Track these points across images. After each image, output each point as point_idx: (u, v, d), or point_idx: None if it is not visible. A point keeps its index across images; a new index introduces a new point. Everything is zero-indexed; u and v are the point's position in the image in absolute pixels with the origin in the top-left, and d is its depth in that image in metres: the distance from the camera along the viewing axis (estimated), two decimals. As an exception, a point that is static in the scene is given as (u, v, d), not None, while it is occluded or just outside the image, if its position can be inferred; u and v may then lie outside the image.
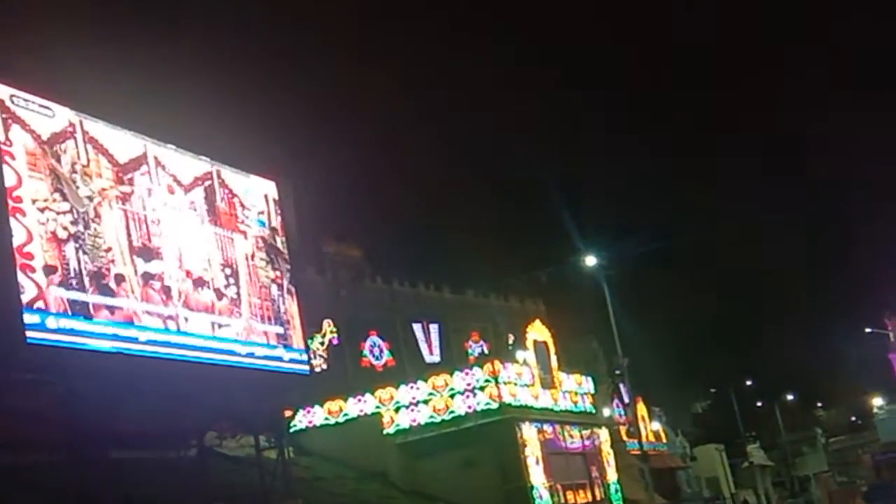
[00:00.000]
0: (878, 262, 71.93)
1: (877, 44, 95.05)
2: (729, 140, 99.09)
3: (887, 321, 65.24)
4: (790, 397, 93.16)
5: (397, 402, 35.27)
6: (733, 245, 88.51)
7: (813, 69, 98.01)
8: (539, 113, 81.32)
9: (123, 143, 20.99)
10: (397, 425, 35.15)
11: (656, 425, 59.92)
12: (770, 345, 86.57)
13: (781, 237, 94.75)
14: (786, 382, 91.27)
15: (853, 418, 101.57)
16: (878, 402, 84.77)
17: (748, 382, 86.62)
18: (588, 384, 39.77)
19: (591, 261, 45.14)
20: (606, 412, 49.74)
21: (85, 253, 19.21)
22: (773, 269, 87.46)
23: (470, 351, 44.98)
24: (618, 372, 50.69)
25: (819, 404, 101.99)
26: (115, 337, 19.25)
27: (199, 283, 22.17)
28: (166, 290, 21.04)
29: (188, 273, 21.86)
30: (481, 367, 34.80)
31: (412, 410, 34.95)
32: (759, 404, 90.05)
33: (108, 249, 19.77)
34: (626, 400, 52.74)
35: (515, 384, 34.84)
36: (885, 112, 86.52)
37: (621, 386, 52.69)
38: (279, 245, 25.32)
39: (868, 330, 70.03)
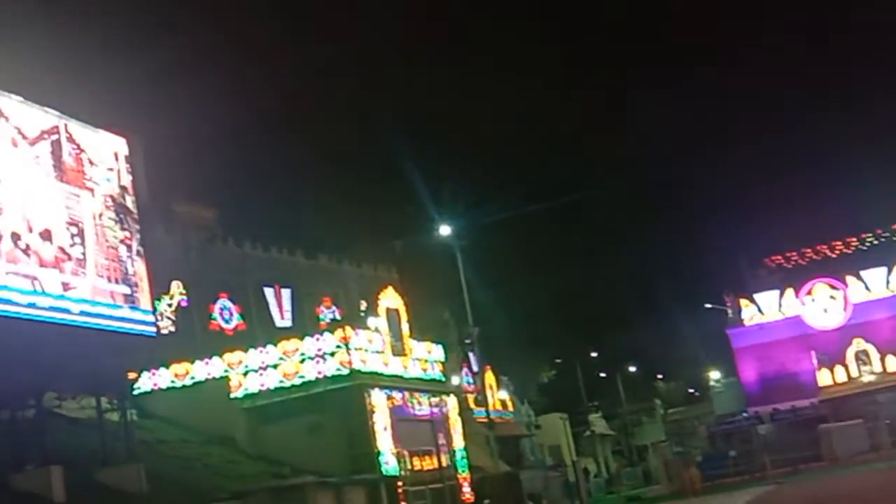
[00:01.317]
0: (718, 242, 74.70)
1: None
2: (586, 107, 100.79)
3: (726, 298, 67.63)
4: (632, 369, 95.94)
5: (246, 367, 34.94)
6: (583, 219, 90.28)
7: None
8: (393, 79, 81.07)
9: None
10: (245, 390, 34.84)
11: (503, 394, 60.94)
12: (615, 318, 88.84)
13: (629, 215, 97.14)
14: (629, 355, 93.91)
15: (691, 390, 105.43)
16: (715, 375, 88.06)
17: (593, 354, 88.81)
18: (438, 352, 40.13)
19: (445, 230, 45.49)
20: (455, 380, 50.36)
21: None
22: (620, 245, 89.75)
23: (321, 316, 44.80)
24: (468, 341, 51.32)
25: (659, 376, 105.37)
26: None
27: (43, 240, 21.45)
28: (7, 247, 20.29)
29: (30, 229, 21.12)
30: (332, 332, 34.75)
31: (261, 375, 34.70)
32: (602, 375, 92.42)
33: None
34: (475, 369, 53.53)
35: (366, 351, 34.90)
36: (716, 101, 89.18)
37: (471, 355, 53.43)
38: (129, 204, 24.70)
39: (708, 306, 72.49)
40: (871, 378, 59.91)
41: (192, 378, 35.62)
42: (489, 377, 56.00)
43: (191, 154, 43.02)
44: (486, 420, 48.01)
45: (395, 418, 35.15)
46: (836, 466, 46.77)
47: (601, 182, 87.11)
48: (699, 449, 60.82)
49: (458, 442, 39.52)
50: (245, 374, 34.89)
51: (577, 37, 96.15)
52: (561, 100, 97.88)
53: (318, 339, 34.56)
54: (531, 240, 76.74)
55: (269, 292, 44.40)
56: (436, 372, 39.54)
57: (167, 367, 35.54)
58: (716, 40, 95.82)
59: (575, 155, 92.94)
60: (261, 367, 34.75)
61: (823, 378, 60.99)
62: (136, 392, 33.25)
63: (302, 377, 34.15)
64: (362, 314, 39.18)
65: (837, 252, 67.62)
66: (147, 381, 35.45)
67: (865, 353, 60.59)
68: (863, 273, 63.29)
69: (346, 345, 34.02)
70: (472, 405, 52.73)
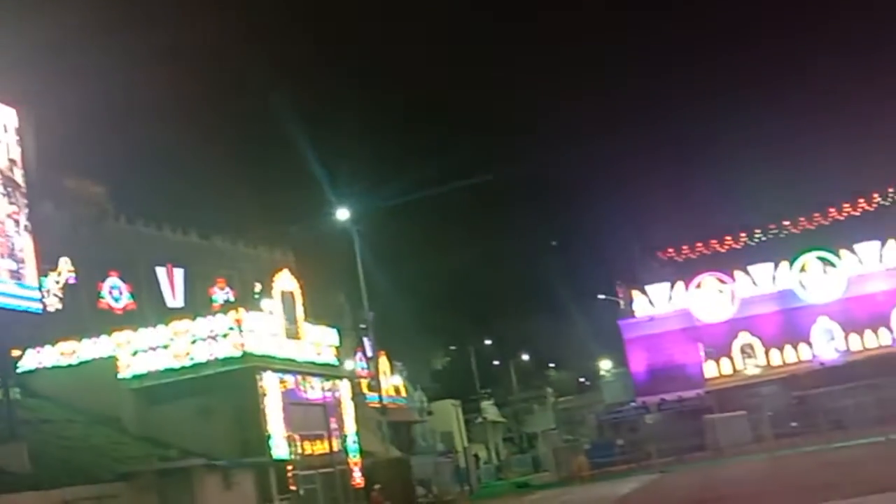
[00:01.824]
0: (612, 234, 75.86)
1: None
2: (484, 93, 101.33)
3: (618, 289, 68.82)
4: (525, 357, 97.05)
5: (135, 347, 34.29)
6: (480, 208, 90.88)
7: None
8: (289, 60, 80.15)
9: None
10: (134, 370, 34.19)
11: (397, 380, 61.03)
12: (510, 306, 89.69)
13: (527, 206, 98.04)
14: (522, 343, 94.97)
15: (582, 380, 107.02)
16: (605, 365, 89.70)
17: (487, 342, 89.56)
18: (332, 337, 39.92)
19: (342, 214, 45.34)
20: (349, 365, 50.24)
21: None
22: (516, 235, 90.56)
23: (215, 298, 44.19)
24: (363, 326, 51.30)
25: (551, 365, 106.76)
26: None
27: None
28: None
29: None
30: (225, 314, 34.32)
31: (151, 355, 34.06)
32: (496, 363, 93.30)
33: None
34: (370, 354, 53.46)
35: (259, 333, 34.56)
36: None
37: (365, 340, 53.35)
38: (17, 178, 24.02)
39: (601, 296, 73.65)
40: (756, 371, 61.62)
41: (79, 357, 34.83)
42: (383, 362, 56.03)
43: (84, 129, 41.94)
44: (378, 405, 48.06)
45: (287, 402, 34.87)
46: (719, 456, 47.95)
47: (499, 171, 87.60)
48: (588, 437, 61.85)
49: (350, 427, 39.42)
50: (134, 354, 34.23)
51: (470, 22, 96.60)
52: (461, 85, 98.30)
53: (210, 321, 34.09)
54: (429, 226, 77.03)
55: (160, 272, 43.61)
56: (329, 356, 39.32)
57: (53, 345, 34.70)
58: (622, 34, 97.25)
59: (475, 140, 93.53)
60: (151, 348, 34.12)
61: (710, 370, 62.50)
62: (19, 370, 32.44)
63: (192, 359, 33.63)
64: (256, 296, 38.78)
65: (727, 247, 69.31)
66: (32, 359, 34.57)
67: (751, 346, 62.28)
68: (750, 268, 65.00)
69: (239, 327, 33.60)
70: (365, 390, 52.66)
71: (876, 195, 67.33)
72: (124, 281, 42.30)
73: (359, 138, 73.86)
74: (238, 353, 33.43)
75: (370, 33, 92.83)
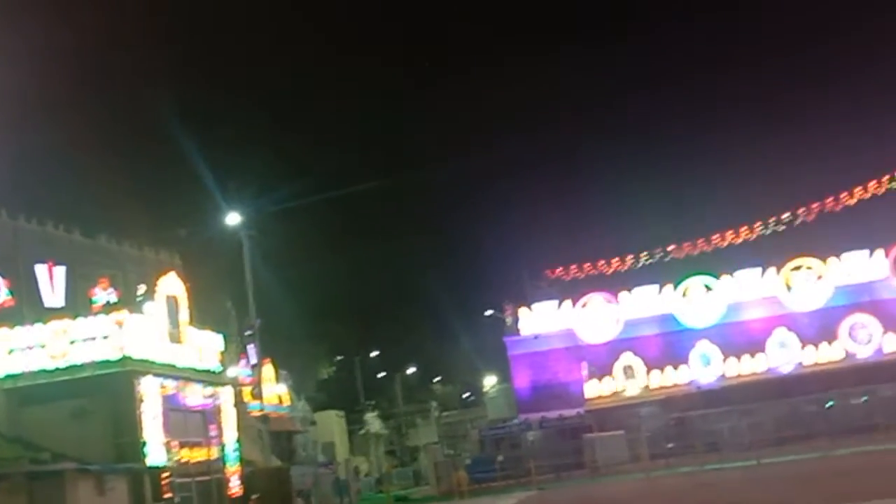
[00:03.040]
0: (502, 252, 76.55)
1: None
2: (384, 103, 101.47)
3: (506, 306, 69.35)
4: (411, 370, 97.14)
5: (11, 345, 33.30)
6: (372, 222, 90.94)
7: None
8: (187, 59, 79.04)
9: None
10: (8, 370, 33.18)
11: (281, 388, 60.50)
12: (398, 318, 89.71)
13: (418, 220, 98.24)
14: (409, 356, 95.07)
15: (467, 395, 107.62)
16: (490, 381, 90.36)
17: (374, 353, 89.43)
18: (216, 342, 39.37)
19: (232, 219, 44.85)
20: (233, 372, 49.56)
21: None
22: (407, 249, 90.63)
23: (96, 298, 43.00)
24: (249, 333, 50.71)
25: (437, 379, 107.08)
26: None
27: None
28: None
29: None
30: (106, 315, 33.59)
31: (27, 355, 33.12)
32: (381, 375, 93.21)
33: None
34: (254, 361, 52.86)
35: (140, 336, 33.89)
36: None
37: (250, 347, 52.74)
38: None
39: (488, 313, 74.21)
40: (636, 392, 62.75)
41: (-51, 355, 33.69)
42: (268, 370, 55.51)
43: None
44: (260, 414, 47.54)
45: (167, 407, 34.27)
46: (596, 475, 48.70)
47: (389, 187, 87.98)
48: (470, 452, 62.19)
49: (230, 435, 38.92)
50: (10, 353, 33.25)
51: (361, 32, 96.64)
52: (356, 92, 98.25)
53: (90, 322, 33.34)
54: (320, 235, 76.71)
55: (40, 269, 42.40)
56: (212, 362, 38.75)
57: (-79, 341, 33.50)
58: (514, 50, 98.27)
59: (369, 148, 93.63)
60: (27, 347, 33.20)
61: (591, 389, 63.43)
62: None
63: (70, 360, 32.82)
64: (140, 299, 37.93)
65: (613, 269, 70.42)
66: None
67: (632, 367, 63.41)
68: (635, 290, 66.21)
69: (120, 329, 32.96)
70: (247, 398, 52.07)
71: (758, 224, 69.27)
72: (3, 277, 41.02)
73: (250, 143, 73.31)
74: (117, 356, 32.75)
75: (261, 36, 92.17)
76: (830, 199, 69.01)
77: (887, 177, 68.94)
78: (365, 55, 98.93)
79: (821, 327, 62.49)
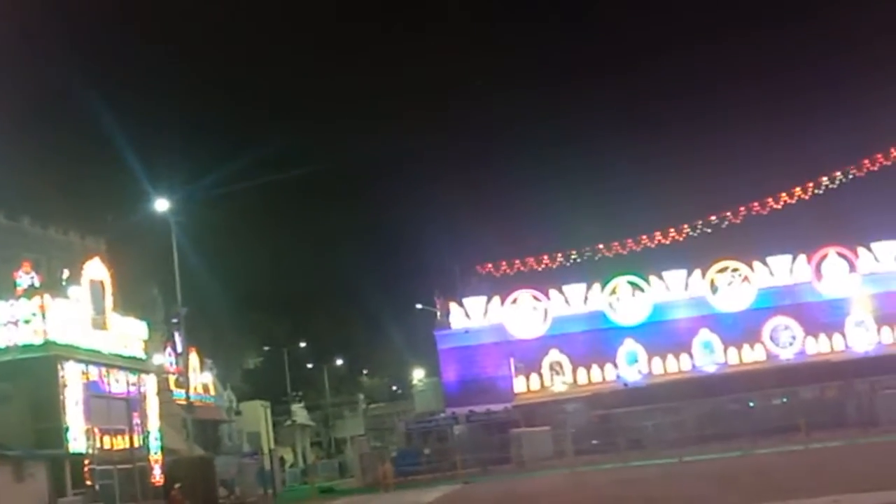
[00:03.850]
0: (434, 246, 76.64)
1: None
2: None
3: (437, 300, 69.43)
4: (339, 362, 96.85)
5: (-71, 328, 32.61)
6: (303, 212, 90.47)
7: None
8: (117, 44, 77.88)
9: None
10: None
11: (207, 377, 60.03)
12: (327, 309, 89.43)
13: (350, 211, 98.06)
14: (337, 347, 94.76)
15: (395, 388, 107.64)
16: (418, 374, 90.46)
17: (302, 344, 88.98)
18: (141, 329, 38.96)
19: (161, 205, 44.32)
20: (158, 360, 49.12)
21: None
22: (338, 240, 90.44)
23: (19, 282, 42.28)
24: (175, 321, 50.21)
25: (365, 371, 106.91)
26: None
27: None
28: None
29: None
30: (29, 299, 33.03)
31: (-55, 338, 32.47)
32: (309, 366, 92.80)
33: None
34: (180, 349, 52.41)
35: (64, 321, 33.38)
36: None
37: (176, 335, 52.27)
38: None
39: (419, 306, 74.25)
40: (563, 388, 63.22)
41: None
42: (193, 359, 55.04)
43: None
44: (185, 402, 47.10)
45: (89, 394, 33.90)
46: (522, 470, 48.96)
47: (322, 178, 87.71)
48: (396, 445, 62.11)
49: (154, 423, 38.56)
50: (-72, 335, 32.56)
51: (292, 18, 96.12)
52: (292, 82, 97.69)
53: (12, 305, 32.78)
54: (249, 224, 76.01)
55: (-38, 251, 41.60)
56: (137, 349, 38.35)
57: None
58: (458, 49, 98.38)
59: (302, 136, 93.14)
60: (-54, 330, 32.55)
61: (519, 385, 63.79)
62: None
63: (-10, 344, 32.26)
64: (64, 283, 37.38)
65: (543, 266, 70.88)
66: None
67: (559, 363, 63.86)
68: (564, 287, 66.71)
69: (43, 313, 32.45)
70: (172, 386, 51.59)
71: (686, 227, 70.27)
72: (-78, 258, 40.16)
73: (181, 130, 72.53)
74: (40, 341, 32.27)
75: (190, 26, 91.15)
76: (756, 203, 70.30)
77: (812, 183, 70.40)
78: (298, 41, 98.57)
79: (745, 329, 63.54)
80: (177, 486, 36.02)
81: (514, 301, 66.55)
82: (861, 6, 78.77)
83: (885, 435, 41.64)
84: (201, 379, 58.39)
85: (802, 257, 65.30)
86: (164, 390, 44.59)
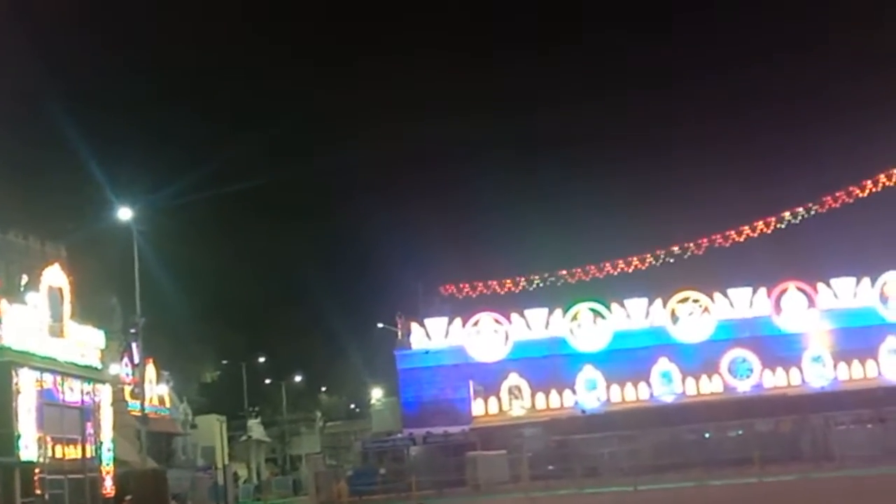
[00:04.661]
0: (397, 265, 76.65)
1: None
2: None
3: (398, 319, 69.28)
4: (298, 378, 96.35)
5: None
6: (266, 228, 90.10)
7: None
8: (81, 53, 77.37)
9: None
10: None
11: (163, 389, 59.51)
12: (287, 325, 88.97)
13: (315, 225, 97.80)
14: (296, 364, 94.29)
15: (353, 406, 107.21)
16: (377, 393, 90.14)
17: (261, 359, 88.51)
18: (98, 338, 38.56)
19: (123, 214, 44.05)
20: (114, 370, 48.65)
21: None
22: (300, 257, 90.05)
23: (-24, 286, 41.94)
24: (133, 331, 49.74)
25: (323, 389, 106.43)
26: None
27: None
28: None
29: None
30: (-15, 303, 32.58)
31: None
32: (267, 381, 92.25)
33: None
34: (137, 360, 51.89)
35: (20, 328, 32.95)
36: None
37: (134, 345, 51.75)
38: None
39: (380, 325, 74.10)
40: (521, 412, 63.15)
41: None
42: (150, 370, 54.55)
43: None
44: (140, 414, 46.65)
45: (42, 402, 33.43)
46: (477, 493, 48.90)
47: (285, 193, 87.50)
48: (352, 464, 61.84)
49: (107, 434, 38.10)
50: None
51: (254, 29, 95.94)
52: (258, 94, 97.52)
53: (-33, 310, 32.29)
54: (210, 237, 75.67)
55: (-81, 254, 41.07)
56: (93, 359, 37.94)
57: None
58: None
59: (268, 153, 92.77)
60: None
61: (478, 408, 63.66)
62: None
63: (-57, 348, 31.76)
64: (22, 289, 36.97)
65: (506, 289, 70.96)
66: None
67: (518, 388, 63.79)
68: (526, 312, 66.77)
69: (-1, 318, 32.01)
70: (127, 397, 51.12)
71: (649, 256, 70.72)
72: None
73: (144, 138, 72.13)
74: (-6, 346, 31.80)
75: (155, 34, 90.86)
76: (719, 236, 70.86)
77: (774, 218, 71.08)
78: (258, 53, 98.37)
79: (704, 360, 63.80)
80: (128, 497, 35.67)
81: (476, 323, 66.50)
82: (818, 51, 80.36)
83: (839, 470, 41.99)
84: (157, 391, 57.90)
85: (763, 291, 65.73)
86: (119, 401, 44.13)
